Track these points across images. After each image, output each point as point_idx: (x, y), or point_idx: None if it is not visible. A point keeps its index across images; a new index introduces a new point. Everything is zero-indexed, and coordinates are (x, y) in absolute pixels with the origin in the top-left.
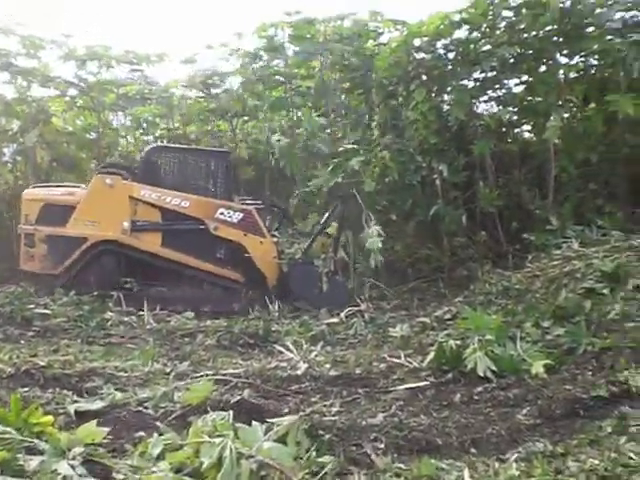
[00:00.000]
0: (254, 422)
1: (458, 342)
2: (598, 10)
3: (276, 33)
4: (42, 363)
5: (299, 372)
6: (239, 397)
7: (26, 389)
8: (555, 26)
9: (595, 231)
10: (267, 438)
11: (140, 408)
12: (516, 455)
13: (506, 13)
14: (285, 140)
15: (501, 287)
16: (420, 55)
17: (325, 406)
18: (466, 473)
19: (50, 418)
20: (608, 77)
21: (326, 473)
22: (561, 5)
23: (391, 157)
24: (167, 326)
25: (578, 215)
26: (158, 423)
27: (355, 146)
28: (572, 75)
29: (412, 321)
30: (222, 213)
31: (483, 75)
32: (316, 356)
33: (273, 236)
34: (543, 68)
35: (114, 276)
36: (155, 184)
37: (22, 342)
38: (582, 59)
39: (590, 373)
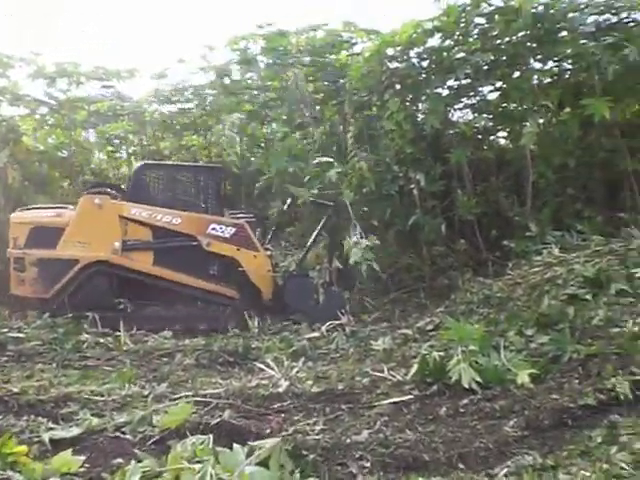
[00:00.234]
0: (235, 445)
1: (441, 353)
2: (571, 14)
3: (248, 46)
4: (16, 389)
5: (280, 390)
6: (219, 419)
7: None
8: (528, 31)
9: (575, 236)
10: (249, 462)
11: (118, 433)
12: (505, 470)
13: (479, 20)
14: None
15: (482, 296)
16: (393, 64)
17: (308, 425)
18: None
19: (24, 448)
20: (583, 81)
21: None
22: (533, 10)
23: (368, 167)
24: (144, 346)
25: (557, 220)
26: (136, 449)
27: (330, 159)
28: (546, 80)
29: (394, 333)
30: (214, 228)
31: (457, 83)
32: (298, 372)
33: (266, 249)
34: (517, 74)
35: (107, 297)
36: (145, 202)
37: None
38: (556, 64)
39: (577, 381)
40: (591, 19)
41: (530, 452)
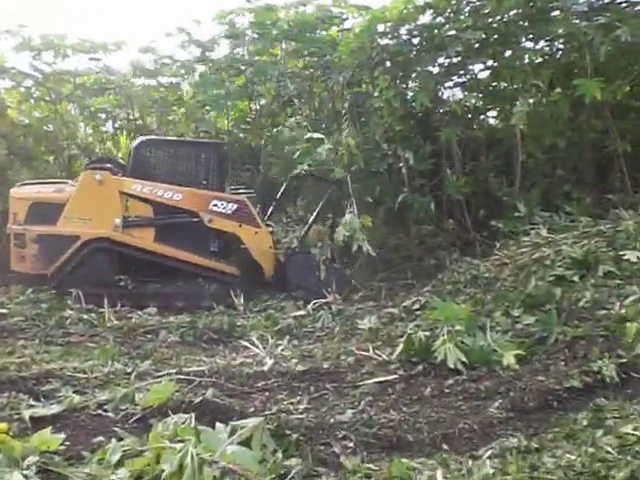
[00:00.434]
0: (218, 424)
1: (427, 333)
2: None
3: (235, 20)
4: None
5: (265, 368)
6: (202, 397)
7: None
8: (520, 10)
9: (563, 217)
10: (231, 441)
11: (99, 411)
12: (490, 451)
13: None
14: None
15: (469, 276)
16: (384, 41)
17: (292, 404)
18: (439, 473)
19: (4, 425)
20: (574, 61)
21: (293, 477)
22: None
23: (356, 145)
24: (128, 323)
25: (546, 201)
26: (118, 427)
27: (320, 135)
28: (538, 60)
29: (380, 312)
30: (216, 205)
31: (448, 61)
32: (282, 351)
33: (268, 226)
34: (509, 53)
35: (108, 274)
36: (146, 178)
37: None
38: (548, 43)
39: (563, 363)
40: None
41: (515, 434)
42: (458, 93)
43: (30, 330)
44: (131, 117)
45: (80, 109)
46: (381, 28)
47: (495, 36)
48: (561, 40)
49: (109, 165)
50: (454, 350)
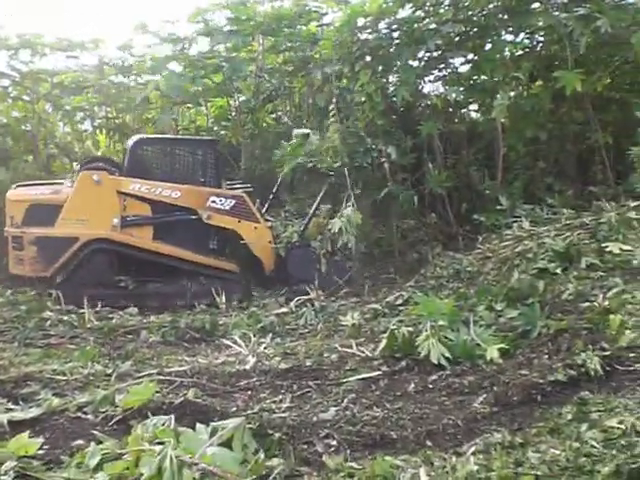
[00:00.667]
0: (198, 425)
1: (410, 329)
2: None
3: (211, 17)
4: None
5: (247, 366)
6: (183, 398)
7: None
8: (499, 3)
9: (545, 210)
10: (211, 442)
11: (79, 414)
12: (474, 447)
13: None
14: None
15: (452, 270)
16: (364, 35)
17: (275, 402)
18: (422, 471)
19: None
20: (554, 53)
21: (275, 477)
22: None
23: (340, 139)
24: (109, 324)
25: (528, 194)
26: (98, 430)
27: (307, 130)
28: (518, 52)
29: (363, 308)
30: (214, 201)
31: (429, 54)
32: (265, 349)
33: (267, 220)
34: (489, 46)
35: (108, 275)
36: (143, 177)
37: None
38: (528, 36)
39: (546, 356)
40: None
41: (499, 429)
42: (439, 87)
43: (9, 332)
44: (110, 115)
45: (56, 108)
46: (361, 22)
47: (475, 29)
48: (541, 32)
49: (105, 165)
50: (437, 345)
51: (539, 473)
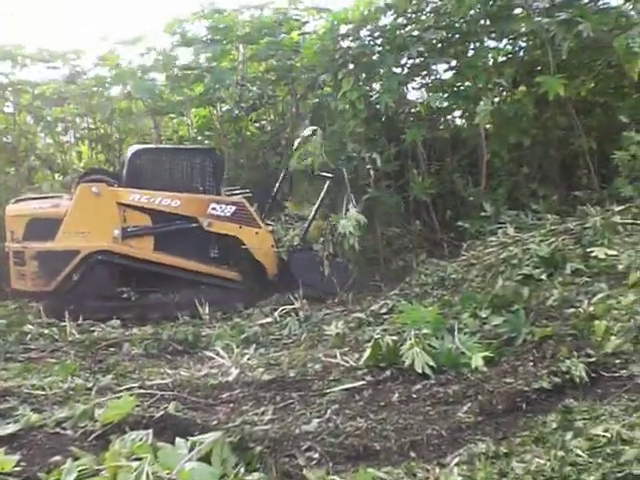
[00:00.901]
0: (178, 439)
1: (395, 337)
2: None
3: (190, 27)
4: None
5: (230, 378)
6: (163, 412)
7: None
8: (482, 8)
9: (530, 215)
10: (190, 457)
11: (57, 429)
12: (457, 458)
13: None
14: None
15: (437, 277)
16: (346, 43)
17: (257, 415)
18: None
19: None
20: (537, 59)
21: None
22: None
23: (322, 146)
24: (91, 337)
25: (512, 200)
26: (76, 445)
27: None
28: (501, 58)
29: (348, 317)
30: (214, 208)
31: (412, 61)
32: (248, 360)
33: (267, 225)
34: (471, 52)
35: (110, 287)
36: (142, 187)
37: None
38: (511, 42)
39: (531, 364)
40: None
41: (483, 439)
42: (423, 94)
43: None
44: (91, 126)
45: (37, 119)
46: (343, 30)
47: (457, 36)
48: (524, 38)
49: (104, 176)
50: (421, 354)
51: None
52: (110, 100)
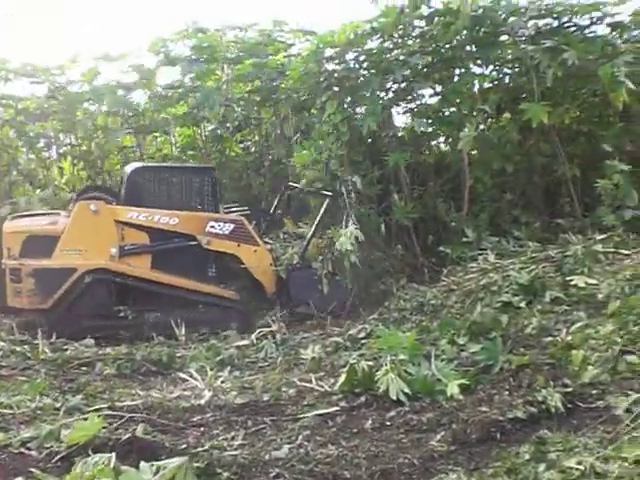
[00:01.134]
0: (143, 463)
1: (371, 363)
2: (512, 18)
3: (173, 46)
4: None
5: (202, 401)
6: (131, 434)
7: None
8: (467, 34)
9: (512, 242)
10: None
11: (22, 450)
12: None
13: (419, 22)
14: None
15: (416, 303)
16: (331, 66)
17: (227, 439)
18: None
19: None
20: (522, 86)
21: None
22: (473, 13)
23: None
24: (63, 355)
25: (495, 226)
26: (40, 467)
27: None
28: (487, 85)
29: (326, 341)
30: (213, 226)
31: (397, 86)
32: (222, 383)
33: (266, 243)
34: (457, 78)
35: (107, 305)
36: (141, 205)
37: None
38: (496, 68)
39: (507, 393)
40: (531, 23)
41: (455, 469)
42: (408, 119)
43: None
44: (74, 143)
45: (19, 134)
46: (329, 53)
47: (442, 61)
48: (509, 65)
49: (102, 194)
50: (397, 380)
51: None
52: (90, 116)
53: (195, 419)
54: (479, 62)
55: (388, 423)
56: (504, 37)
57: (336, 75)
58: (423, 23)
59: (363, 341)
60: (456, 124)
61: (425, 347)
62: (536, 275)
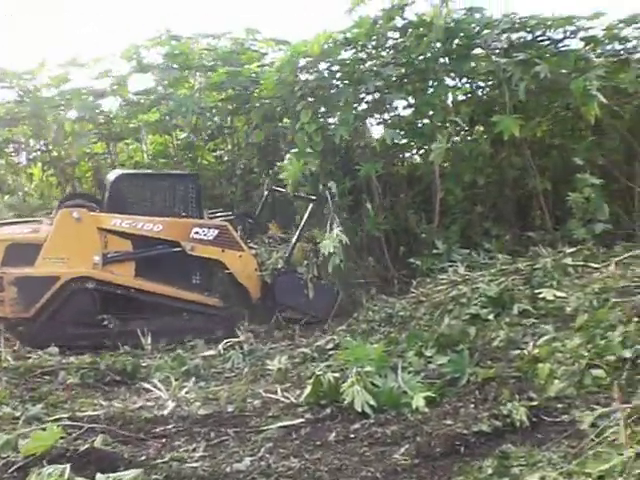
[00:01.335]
0: (98, 475)
1: (337, 374)
2: (485, 31)
3: (146, 54)
4: None
5: (165, 412)
6: (88, 445)
7: None
8: (440, 46)
9: (482, 254)
10: None
11: None
12: None
13: (393, 34)
14: None
15: (384, 314)
16: (305, 75)
17: (188, 451)
18: None
19: None
20: (495, 99)
21: None
22: (447, 26)
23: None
24: (26, 364)
25: (465, 238)
26: None
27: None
28: (460, 97)
29: (293, 352)
30: (197, 232)
31: (371, 97)
32: (187, 393)
33: (251, 248)
34: (430, 90)
35: (90, 314)
36: (124, 212)
37: None
38: (469, 81)
39: (472, 406)
40: (505, 36)
41: None
42: (381, 130)
43: None
44: (43, 148)
45: None
46: (302, 62)
47: (416, 72)
48: (482, 77)
49: (85, 201)
50: (362, 392)
51: None
52: (58, 121)
53: (157, 430)
54: (452, 74)
55: (352, 436)
56: (477, 50)
57: (310, 85)
58: (397, 35)
59: (331, 352)
60: (428, 136)
61: (392, 359)
62: (505, 288)
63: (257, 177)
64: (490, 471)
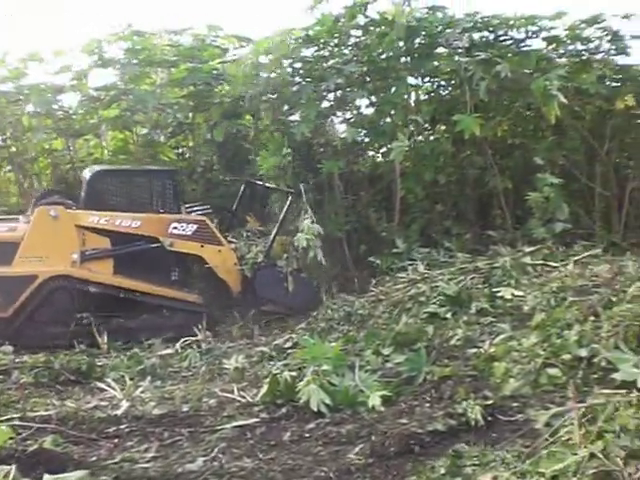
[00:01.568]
0: (46, 476)
1: (294, 373)
2: (447, 30)
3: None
4: None
5: (119, 412)
6: (37, 445)
7: None
8: (402, 45)
9: (442, 253)
10: None
11: None
12: None
13: (356, 32)
14: None
15: (343, 313)
16: (266, 73)
17: (140, 451)
18: None
19: None
20: (457, 98)
21: None
22: (409, 24)
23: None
24: None
25: (426, 237)
26: None
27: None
28: (422, 96)
29: (251, 351)
30: (175, 227)
31: (333, 95)
32: (142, 393)
33: (230, 242)
34: (393, 89)
35: (69, 312)
36: (102, 209)
37: None
38: (431, 80)
39: (428, 404)
40: (467, 35)
41: None
42: (343, 128)
43: None
44: (1, 144)
45: None
46: (264, 60)
47: (377, 70)
48: (444, 76)
49: (62, 199)
50: (318, 391)
51: None
52: (16, 116)
53: (110, 430)
54: (414, 73)
55: (307, 435)
56: (439, 49)
57: (272, 82)
58: (359, 32)
59: (289, 351)
60: (390, 135)
61: (350, 358)
62: (464, 286)
63: (217, 174)
64: (443, 471)
